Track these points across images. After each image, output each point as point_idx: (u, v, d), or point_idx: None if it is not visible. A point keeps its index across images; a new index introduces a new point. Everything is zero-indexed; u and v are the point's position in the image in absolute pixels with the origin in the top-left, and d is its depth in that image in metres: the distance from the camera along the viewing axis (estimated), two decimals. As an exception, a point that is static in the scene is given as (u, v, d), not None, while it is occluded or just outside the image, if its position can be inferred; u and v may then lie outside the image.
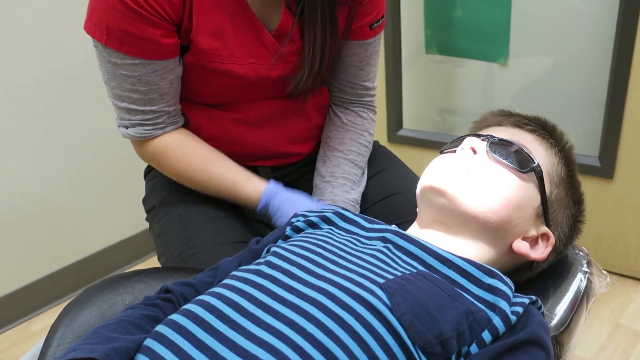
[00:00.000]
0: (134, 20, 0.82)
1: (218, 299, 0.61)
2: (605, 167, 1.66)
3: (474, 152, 0.75)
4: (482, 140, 0.76)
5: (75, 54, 1.71)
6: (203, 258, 0.92)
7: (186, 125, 0.99)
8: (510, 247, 0.73)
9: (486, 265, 0.66)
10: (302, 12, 0.91)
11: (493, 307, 0.62)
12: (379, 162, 1.11)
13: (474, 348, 0.59)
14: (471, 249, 0.72)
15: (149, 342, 0.59)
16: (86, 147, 1.81)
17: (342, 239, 0.72)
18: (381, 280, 0.61)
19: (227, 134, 1.00)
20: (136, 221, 2.01)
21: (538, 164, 0.73)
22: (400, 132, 2.03)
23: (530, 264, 0.76)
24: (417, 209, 0.79)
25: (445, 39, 1.92)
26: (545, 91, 1.80)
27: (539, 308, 0.67)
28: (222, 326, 0.58)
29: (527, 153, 0.74)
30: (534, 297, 0.66)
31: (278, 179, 1.09)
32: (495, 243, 0.73)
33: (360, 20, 0.98)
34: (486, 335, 0.60)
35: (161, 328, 0.60)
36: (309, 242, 0.70)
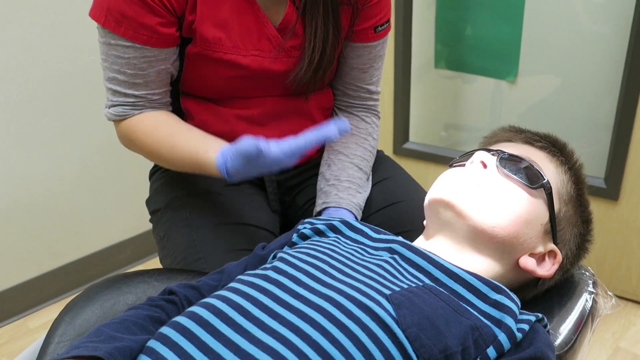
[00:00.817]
0: (134, 5, 0.85)
1: (223, 302, 0.61)
2: (611, 189, 1.66)
3: (484, 166, 0.75)
4: (493, 155, 0.76)
5: (84, 54, 1.71)
6: (208, 263, 0.91)
7: (191, 121, 1.00)
8: (517, 263, 0.73)
9: (493, 281, 0.66)
10: (305, 7, 0.93)
11: (499, 323, 0.61)
12: (384, 170, 1.11)
13: (478, 363, 0.59)
14: (478, 263, 0.72)
15: (153, 344, 0.59)
16: (91, 146, 1.81)
17: (348, 248, 0.72)
18: (387, 292, 0.61)
19: (231, 131, 1.01)
20: (138, 222, 2.01)
21: (548, 180, 0.73)
22: (406, 145, 2.03)
23: (536, 281, 0.76)
24: (425, 221, 0.79)
25: (454, 55, 1.92)
26: (553, 111, 1.80)
27: (545, 326, 0.67)
28: (227, 329, 0.58)
29: (537, 169, 0.74)
30: (540, 315, 0.66)
31: (281, 182, 1.09)
32: (502, 258, 0.72)
33: (364, 23, 1.00)
34: (491, 352, 0.60)
35: (165, 329, 0.60)
36: (316, 250, 0.70)
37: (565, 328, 0.75)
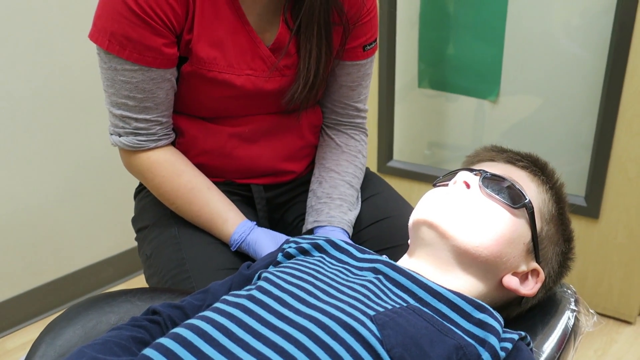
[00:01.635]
0: (139, 27, 0.85)
1: (208, 323, 0.60)
2: (591, 207, 1.68)
3: (467, 186, 0.76)
4: (475, 174, 0.77)
5: (69, 70, 1.71)
6: (196, 282, 0.91)
7: (182, 138, 1.00)
8: (501, 282, 0.73)
9: (476, 300, 0.66)
10: (299, 28, 0.95)
11: (483, 342, 0.62)
12: (372, 187, 1.12)
13: (463, 383, 0.59)
14: (461, 283, 0.72)
15: (136, 365, 0.58)
16: (74, 163, 1.80)
17: (333, 268, 0.72)
18: (372, 312, 0.61)
19: (222, 147, 1.01)
20: (121, 240, 1.98)
21: (529, 200, 0.74)
22: (390, 163, 2.04)
23: (519, 299, 0.77)
24: (409, 241, 0.79)
25: (437, 74, 1.95)
26: (534, 130, 1.83)
27: (528, 344, 0.67)
28: (212, 351, 0.57)
29: (519, 189, 0.75)
30: (523, 333, 0.66)
31: (271, 199, 1.09)
32: (485, 277, 0.73)
33: (354, 41, 1.02)
34: (475, 371, 0.60)
35: (148, 351, 0.59)
36: (300, 270, 0.70)
37: (548, 346, 0.75)
